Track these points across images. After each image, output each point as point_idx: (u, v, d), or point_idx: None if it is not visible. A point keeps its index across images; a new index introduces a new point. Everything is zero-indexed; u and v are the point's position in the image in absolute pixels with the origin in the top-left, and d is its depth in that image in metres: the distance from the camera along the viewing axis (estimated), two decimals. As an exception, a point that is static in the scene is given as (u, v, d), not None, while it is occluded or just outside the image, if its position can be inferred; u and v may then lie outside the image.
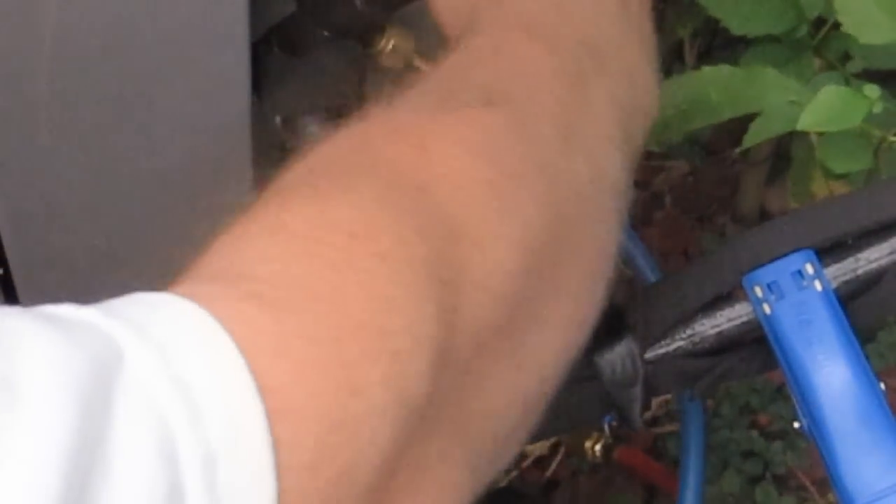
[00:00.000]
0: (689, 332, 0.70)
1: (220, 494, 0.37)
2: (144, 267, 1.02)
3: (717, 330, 0.70)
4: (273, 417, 0.39)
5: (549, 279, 0.53)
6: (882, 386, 0.66)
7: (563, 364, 0.56)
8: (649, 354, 0.70)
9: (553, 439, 1.22)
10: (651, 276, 0.85)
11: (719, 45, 1.29)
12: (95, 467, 0.35)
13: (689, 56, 1.33)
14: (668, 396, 1.24)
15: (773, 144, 1.32)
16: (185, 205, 0.95)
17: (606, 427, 1.07)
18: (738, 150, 0.93)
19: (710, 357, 0.70)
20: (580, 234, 0.55)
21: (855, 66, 1.01)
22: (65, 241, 0.94)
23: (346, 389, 0.41)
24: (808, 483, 1.29)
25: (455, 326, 0.46)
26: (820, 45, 1.03)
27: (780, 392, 1.32)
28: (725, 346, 0.70)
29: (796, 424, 0.67)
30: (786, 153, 1.15)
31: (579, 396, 0.71)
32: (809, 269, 0.67)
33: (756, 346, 0.69)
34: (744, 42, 1.04)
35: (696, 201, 1.46)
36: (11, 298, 0.98)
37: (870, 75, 0.98)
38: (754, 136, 0.92)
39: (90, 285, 1.01)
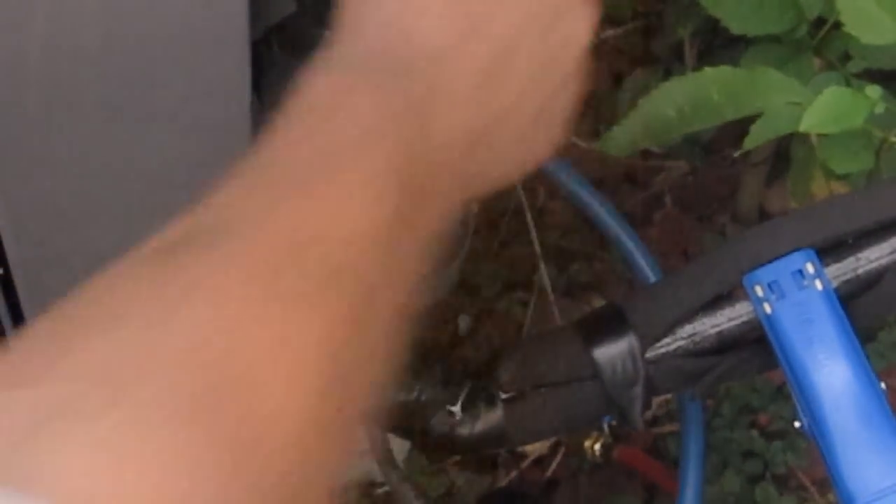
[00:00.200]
0: (689, 331, 0.70)
1: None
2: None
3: (717, 329, 0.70)
4: None
5: None
6: (882, 386, 0.66)
7: None
8: (650, 354, 0.70)
9: (553, 439, 1.22)
10: (651, 276, 0.85)
11: (719, 45, 1.29)
12: None
13: (689, 56, 1.33)
14: (668, 396, 1.24)
15: (773, 145, 1.32)
16: (184, 205, 0.95)
17: (606, 427, 1.07)
18: (738, 151, 0.93)
19: (711, 357, 0.70)
20: None
21: (855, 66, 1.01)
22: (65, 241, 0.94)
23: None
24: (808, 483, 1.30)
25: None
26: (820, 45, 1.03)
27: (780, 392, 1.32)
28: (726, 345, 0.70)
29: (796, 424, 0.67)
30: (786, 153, 1.15)
31: (579, 396, 0.71)
32: (810, 268, 0.67)
33: (756, 345, 0.69)
34: (744, 42, 1.04)
35: (696, 201, 1.46)
36: (11, 298, 0.98)
37: (870, 75, 0.98)
38: (756, 138, 0.92)
39: (90, 285, 1.01)
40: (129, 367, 0.40)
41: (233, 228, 0.49)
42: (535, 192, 1.43)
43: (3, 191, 0.88)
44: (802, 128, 0.87)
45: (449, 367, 0.74)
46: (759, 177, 1.37)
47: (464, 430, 0.73)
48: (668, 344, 0.70)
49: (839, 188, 1.06)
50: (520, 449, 1.27)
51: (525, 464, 1.30)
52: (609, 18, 1.56)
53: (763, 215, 1.42)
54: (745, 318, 0.69)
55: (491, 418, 0.72)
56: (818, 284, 0.66)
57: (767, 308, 0.67)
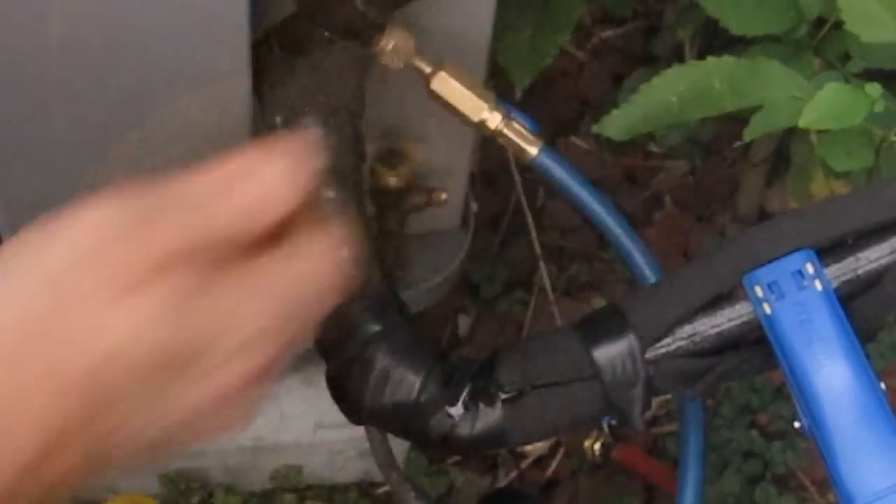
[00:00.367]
0: (689, 331, 0.70)
1: None
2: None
3: (717, 330, 0.70)
4: None
5: None
6: (882, 386, 0.66)
7: None
8: (650, 354, 0.70)
9: (553, 439, 1.22)
10: (651, 276, 0.85)
11: (719, 45, 1.29)
12: None
13: (689, 56, 1.33)
14: (668, 396, 1.24)
15: (773, 144, 1.32)
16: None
17: (606, 426, 1.07)
18: (738, 143, 0.93)
19: (711, 357, 0.70)
20: None
21: (855, 66, 1.01)
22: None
23: None
24: (808, 483, 1.30)
25: None
26: (820, 45, 1.03)
27: (780, 392, 1.32)
28: (726, 345, 0.70)
29: (796, 424, 0.67)
30: (786, 153, 1.15)
31: (579, 396, 0.71)
32: (810, 268, 0.67)
33: (756, 346, 0.69)
34: (744, 42, 1.04)
35: (696, 201, 1.46)
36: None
37: (870, 75, 0.98)
38: (755, 130, 0.92)
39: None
40: None
41: None
42: (535, 192, 1.43)
43: (2, 191, 0.88)
44: (802, 123, 0.87)
45: (449, 367, 0.74)
46: (759, 177, 1.37)
47: (464, 430, 0.73)
48: (668, 344, 0.70)
49: (839, 187, 1.06)
50: (520, 449, 1.27)
51: (525, 464, 1.30)
52: (609, 18, 1.56)
53: (763, 215, 1.42)
54: (744, 319, 0.69)
55: (491, 418, 0.72)
56: (818, 285, 0.66)
57: (767, 308, 0.67)
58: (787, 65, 0.94)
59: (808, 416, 0.65)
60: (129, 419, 0.51)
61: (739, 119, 0.94)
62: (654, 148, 1.49)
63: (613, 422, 0.73)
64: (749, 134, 0.92)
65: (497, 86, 1.12)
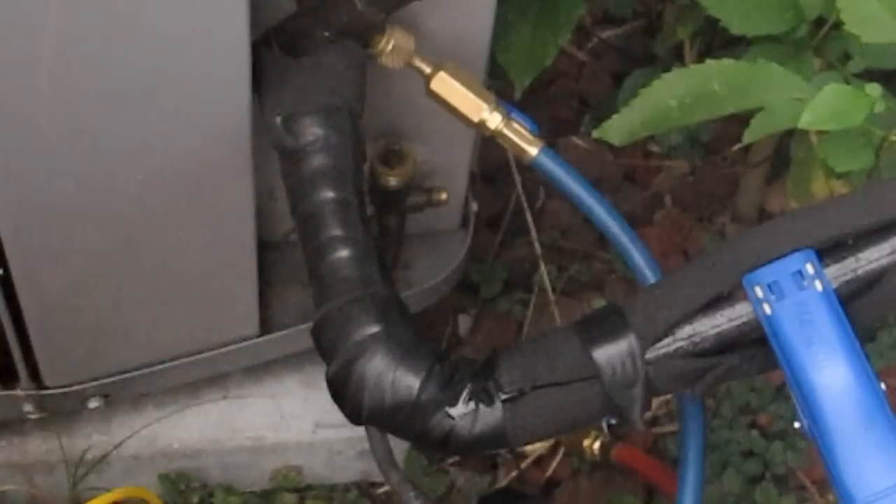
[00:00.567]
0: (689, 332, 0.70)
1: None
2: (144, 267, 1.03)
3: (717, 330, 0.70)
4: None
5: None
6: (882, 386, 0.66)
7: None
8: (650, 355, 0.70)
9: (553, 439, 1.22)
10: (651, 276, 0.85)
11: (719, 45, 1.29)
12: None
13: (689, 56, 1.33)
14: (668, 396, 1.24)
15: (773, 144, 1.32)
16: (185, 205, 0.95)
17: (605, 426, 1.07)
18: (738, 145, 0.93)
19: (711, 357, 0.70)
20: None
21: (855, 66, 1.01)
22: (65, 241, 0.94)
23: None
24: (808, 483, 1.29)
25: None
26: (820, 45, 1.03)
27: (780, 392, 1.32)
28: (726, 346, 0.70)
29: (796, 424, 0.67)
30: (786, 153, 1.15)
31: (579, 397, 0.71)
32: (810, 269, 0.67)
33: (756, 346, 0.69)
34: (744, 42, 1.04)
35: (696, 201, 1.46)
36: (11, 298, 0.98)
37: (869, 76, 0.98)
38: (756, 132, 0.92)
39: (90, 285, 1.02)
40: None
41: None
42: (535, 192, 1.43)
43: (2, 191, 0.88)
44: (802, 124, 0.87)
45: (449, 367, 0.74)
46: (759, 177, 1.37)
47: (464, 431, 0.73)
48: (667, 345, 0.70)
49: (839, 188, 1.06)
50: (520, 449, 1.27)
51: (525, 464, 1.30)
52: (609, 18, 1.55)
53: (763, 215, 1.42)
54: (744, 319, 0.69)
55: (491, 418, 0.72)
56: (818, 285, 0.66)
57: (767, 309, 0.67)
58: (787, 65, 0.94)
59: (808, 416, 0.65)
60: None
61: (739, 119, 0.94)
62: (654, 148, 1.49)
63: (613, 421, 0.73)
64: (750, 136, 0.92)
65: (497, 86, 1.12)
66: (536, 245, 1.40)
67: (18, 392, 1.08)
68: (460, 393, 0.73)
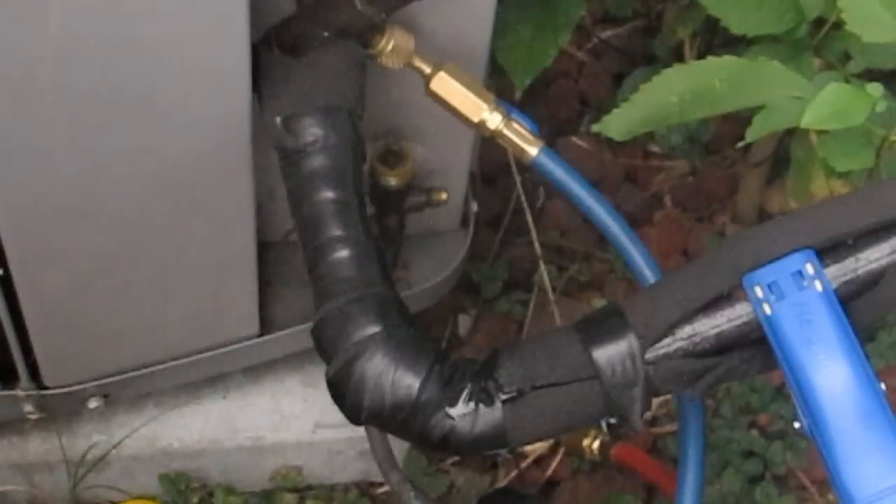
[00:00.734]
0: (689, 332, 0.70)
1: None
2: (144, 267, 1.03)
3: (717, 330, 0.70)
4: None
5: None
6: (882, 386, 0.65)
7: None
8: (650, 355, 0.70)
9: (553, 439, 1.22)
10: (651, 276, 0.85)
11: (719, 45, 1.29)
12: None
13: (689, 56, 1.33)
14: (668, 396, 1.24)
15: (774, 144, 1.32)
16: (185, 205, 0.95)
17: (604, 425, 1.07)
18: (740, 144, 0.93)
19: (711, 357, 0.70)
20: None
21: (855, 66, 1.01)
22: (65, 241, 0.94)
23: None
24: (808, 483, 1.29)
25: None
26: (820, 45, 1.03)
27: (780, 392, 1.32)
28: (726, 346, 0.70)
29: (796, 424, 0.67)
30: (786, 153, 1.15)
31: (579, 397, 0.71)
32: (810, 269, 0.67)
33: (756, 346, 0.69)
34: (744, 42, 1.04)
35: (696, 201, 1.46)
36: (11, 298, 0.98)
37: (869, 76, 0.98)
38: (757, 130, 0.92)
39: (90, 285, 1.02)
40: None
41: None
42: (535, 192, 1.43)
43: (2, 191, 0.88)
44: (803, 123, 0.87)
45: (449, 367, 0.74)
46: (759, 177, 1.37)
47: (464, 431, 0.73)
48: (667, 345, 0.70)
49: (839, 188, 1.06)
50: (520, 449, 1.27)
51: (525, 464, 1.30)
52: (609, 18, 1.55)
53: (763, 215, 1.42)
54: (744, 319, 0.69)
55: (491, 418, 0.72)
56: (818, 285, 0.66)
57: (767, 309, 0.67)
58: (787, 65, 0.94)
59: (808, 416, 0.65)
60: None
61: (739, 119, 0.94)
62: (654, 148, 1.49)
63: (613, 421, 0.73)
64: (751, 135, 0.92)
65: (497, 86, 1.12)
66: (536, 245, 1.40)
67: (18, 392, 1.08)
68: (460, 393, 0.73)
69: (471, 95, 0.88)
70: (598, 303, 1.39)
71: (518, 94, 1.18)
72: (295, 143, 0.83)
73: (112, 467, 1.22)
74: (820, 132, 0.95)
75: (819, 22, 1.01)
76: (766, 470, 1.30)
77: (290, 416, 1.23)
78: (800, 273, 0.67)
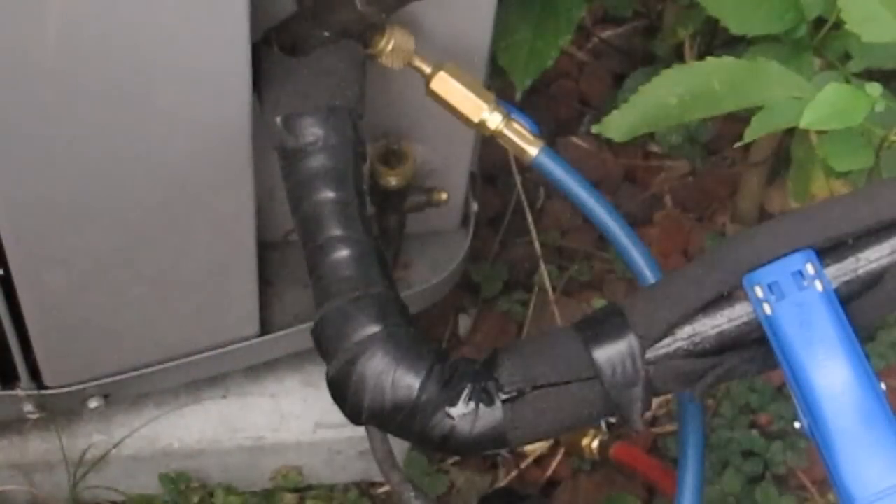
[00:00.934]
0: (689, 332, 0.70)
1: None
2: (144, 267, 1.03)
3: (717, 330, 0.70)
4: None
5: None
6: (882, 386, 0.65)
7: None
8: (650, 355, 0.70)
9: (553, 439, 1.22)
10: (651, 276, 0.85)
11: (719, 45, 1.29)
12: None
13: (689, 56, 1.33)
14: (668, 396, 1.24)
15: (774, 144, 1.32)
16: (185, 205, 0.95)
17: (604, 424, 1.07)
18: (739, 143, 0.93)
19: (711, 357, 0.70)
20: None
21: (855, 66, 1.01)
22: (65, 242, 0.94)
23: None
24: (808, 483, 1.29)
25: None
26: (820, 45, 1.03)
27: (780, 392, 1.32)
28: (726, 346, 0.70)
29: (796, 424, 0.67)
30: (786, 153, 1.15)
31: (579, 397, 0.71)
32: (810, 269, 0.67)
33: (756, 346, 0.69)
34: (744, 42, 1.04)
35: (696, 201, 1.46)
36: (11, 298, 0.98)
37: (870, 76, 0.98)
38: (757, 130, 0.92)
39: (90, 285, 1.02)
40: None
41: None
42: (535, 192, 1.43)
43: (3, 191, 0.88)
44: (803, 123, 0.87)
45: (449, 367, 0.74)
46: (759, 177, 1.37)
47: (464, 431, 0.73)
48: (668, 345, 0.70)
49: (839, 187, 1.06)
50: (520, 449, 1.27)
51: (525, 464, 1.30)
52: (609, 18, 1.56)
53: (763, 215, 1.42)
54: (744, 319, 0.69)
55: (491, 418, 0.72)
56: (818, 285, 0.66)
57: (767, 309, 0.67)
58: (787, 65, 0.94)
59: (808, 416, 0.65)
60: None
61: (739, 119, 0.94)
62: (654, 148, 1.49)
63: (613, 421, 0.73)
64: (750, 134, 0.92)
65: (497, 86, 1.12)
66: (536, 245, 1.40)
67: (18, 392, 1.08)
68: (460, 393, 0.73)
69: (471, 95, 0.88)
70: (598, 303, 1.39)
71: (518, 95, 1.18)
72: (295, 143, 0.83)
73: (112, 467, 1.22)
74: (820, 132, 0.95)
75: (819, 22, 1.01)
76: (766, 470, 1.30)
77: (290, 416, 1.23)
78: (800, 273, 0.67)
